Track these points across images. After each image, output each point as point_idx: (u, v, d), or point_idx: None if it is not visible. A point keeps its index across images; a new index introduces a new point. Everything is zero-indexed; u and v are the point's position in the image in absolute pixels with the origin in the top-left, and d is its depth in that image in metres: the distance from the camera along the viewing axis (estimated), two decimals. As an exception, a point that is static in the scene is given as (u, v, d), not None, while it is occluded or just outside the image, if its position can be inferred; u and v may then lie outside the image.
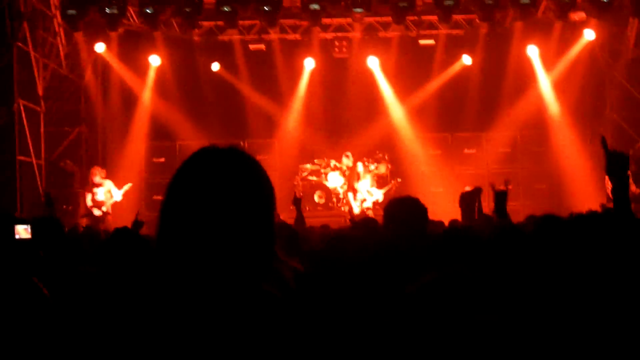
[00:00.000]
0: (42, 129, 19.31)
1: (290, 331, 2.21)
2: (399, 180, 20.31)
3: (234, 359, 2.15)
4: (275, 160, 21.81)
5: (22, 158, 18.15)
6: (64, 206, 19.21)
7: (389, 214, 5.62)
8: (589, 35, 20.38)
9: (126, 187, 18.22)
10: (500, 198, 6.98)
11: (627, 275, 3.14)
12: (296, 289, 3.55)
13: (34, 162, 18.68)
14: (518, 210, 17.58)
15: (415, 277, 3.62)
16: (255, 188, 2.26)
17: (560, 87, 21.50)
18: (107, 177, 18.69)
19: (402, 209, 5.53)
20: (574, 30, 20.51)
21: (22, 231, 5.36)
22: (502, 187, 6.97)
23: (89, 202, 18.23)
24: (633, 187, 17.67)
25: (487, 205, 10.59)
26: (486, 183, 10.56)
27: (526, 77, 21.66)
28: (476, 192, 8.02)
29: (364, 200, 18.83)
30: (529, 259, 3.85)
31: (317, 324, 2.32)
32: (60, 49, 19.86)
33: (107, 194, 18.15)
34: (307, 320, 2.27)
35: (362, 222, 7.94)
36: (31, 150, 18.53)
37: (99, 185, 18.21)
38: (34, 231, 5.44)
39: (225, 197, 2.21)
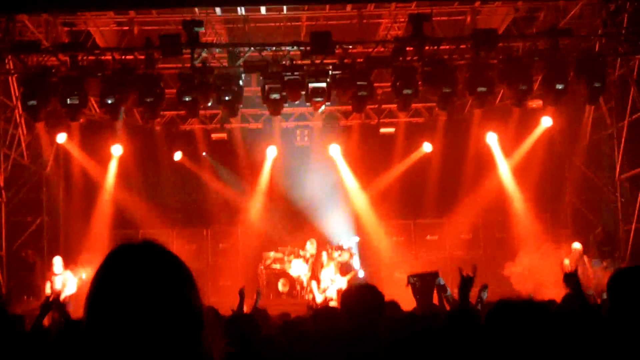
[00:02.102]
0: (3, 219, 19.05)
1: None
2: (362, 269, 20.40)
3: None
4: (238, 248, 21.86)
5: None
6: (25, 297, 18.90)
7: (345, 303, 5.61)
8: (546, 122, 20.71)
9: (81, 275, 17.87)
10: (466, 284, 6.96)
11: None
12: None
13: (-5, 253, 18.46)
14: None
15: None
16: (167, 281, 2.30)
17: (519, 172, 21.74)
18: (68, 267, 18.42)
19: (358, 298, 5.51)
20: (532, 117, 20.83)
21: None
22: (469, 273, 6.92)
23: (47, 291, 17.94)
24: (590, 271, 17.86)
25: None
26: (449, 268, 10.49)
27: (486, 163, 21.91)
28: (433, 277, 7.96)
29: (327, 288, 18.73)
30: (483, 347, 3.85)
31: None
32: (22, 139, 19.76)
33: (64, 283, 17.87)
34: None
35: (323, 312, 7.90)
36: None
37: (58, 274, 17.96)
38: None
39: (137, 292, 2.25)
